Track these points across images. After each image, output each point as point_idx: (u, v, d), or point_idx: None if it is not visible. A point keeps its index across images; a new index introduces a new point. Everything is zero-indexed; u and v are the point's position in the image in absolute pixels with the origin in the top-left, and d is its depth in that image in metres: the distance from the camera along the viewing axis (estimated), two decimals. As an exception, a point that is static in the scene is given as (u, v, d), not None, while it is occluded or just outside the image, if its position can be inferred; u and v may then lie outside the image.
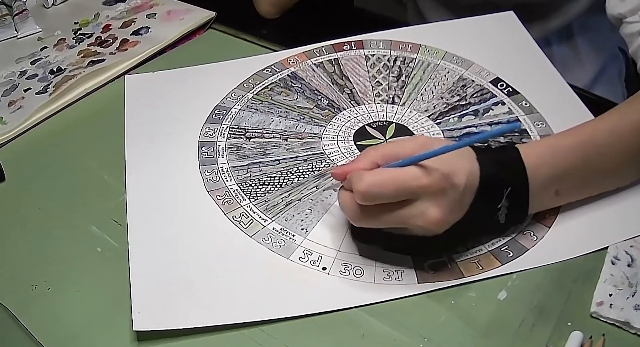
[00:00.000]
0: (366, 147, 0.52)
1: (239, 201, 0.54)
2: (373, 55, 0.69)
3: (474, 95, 0.63)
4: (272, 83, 0.66)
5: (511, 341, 0.44)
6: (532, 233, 0.50)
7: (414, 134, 0.59)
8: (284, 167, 0.57)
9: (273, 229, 0.51)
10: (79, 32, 0.78)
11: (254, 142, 0.59)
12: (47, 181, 0.58)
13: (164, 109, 0.64)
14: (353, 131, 0.60)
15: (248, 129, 0.61)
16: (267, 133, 0.60)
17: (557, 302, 0.45)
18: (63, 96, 0.67)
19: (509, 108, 0.61)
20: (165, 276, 0.48)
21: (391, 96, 0.64)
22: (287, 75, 0.67)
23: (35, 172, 0.59)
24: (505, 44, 0.69)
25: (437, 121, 0.60)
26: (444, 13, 0.84)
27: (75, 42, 0.76)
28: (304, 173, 0.56)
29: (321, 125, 0.61)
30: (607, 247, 0.48)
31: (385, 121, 0.61)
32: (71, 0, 0.85)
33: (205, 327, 0.45)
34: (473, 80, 0.65)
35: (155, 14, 0.79)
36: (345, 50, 0.70)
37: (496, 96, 0.63)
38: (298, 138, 0.60)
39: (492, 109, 0.61)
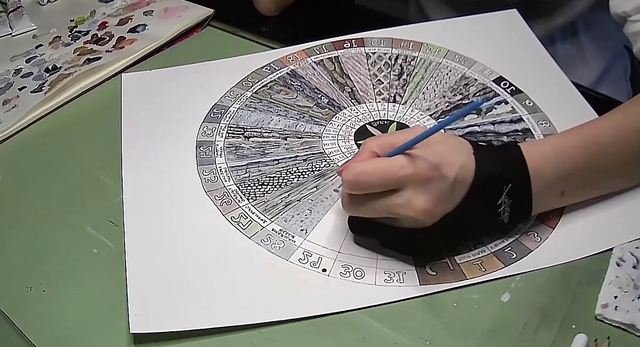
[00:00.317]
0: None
1: (237, 201, 0.54)
2: (374, 53, 0.69)
3: (477, 94, 0.63)
4: (271, 81, 0.66)
5: (515, 344, 0.44)
6: (535, 234, 0.50)
7: (415, 133, 0.59)
8: (283, 167, 0.57)
9: (272, 230, 0.51)
10: (74, 30, 0.78)
11: (252, 141, 0.59)
12: (42, 181, 0.58)
13: (161, 108, 0.64)
14: (354, 130, 0.60)
15: (247, 128, 0.61)
16: (266, 132, 0.60)
17: (561, 304, 0.45)
18: (58, 95, 0.67)
19: (512, 107, 0.61)
20: (162, 278, 0.48)
21: (392, 95, 0.64)
22: (287, 73, 0.67)
23: (30, 172, 0.59)
24: (508, 42, 0.69)
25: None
26: (446, 11, 0.84)
27: (71, 40, 0.76)
28: (303, 173, 0.56)
29: (321, 125, 0.61)
30: (612, 249, 0.48)
31: (387, 120, 0.61)
32: (67, -3, 0.85)
33: (203, 329, 0.45)
34: (476, 79, 0.65)
35: (153, 11, 0.79)
36: (345, 48, 0.70)
37: (499, 95, 0.62)
38: (298, 137, 0.60)
39: (495, 108, 0.61)
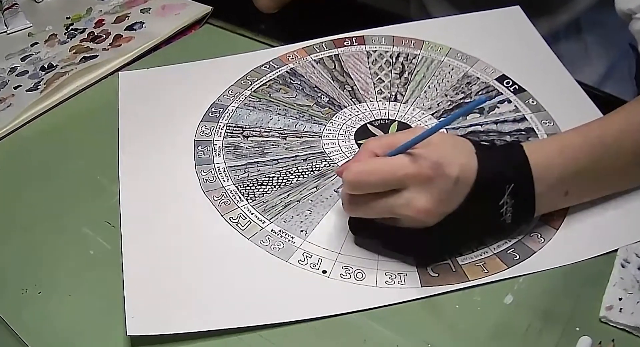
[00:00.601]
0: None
1: (236, 201, 0.54)
2: (375, 51, 0.69)
3: (479, 93, 0.63)
4: (270, 80, 0.66)
5: (518, 346, 0.44)
6: (539, 235, 0.50)
7: (417, 132, 0.59)
8: (282, 167, 0.57)
9: (271, 230, 0.51)
10: (70, 28, 0.78)
11: (251, 141, 0.59)
12: (38, 181, 0.58)
13: (159, 107, 0.64)
14: (354, 130, 0.60)
15: (246, 128, 0.61)
16: (265, 132, 0.60)
17: (565, 306, 0.45)
18: (54, 94, 0.67)
19: (515, 106, 0.61)
20: (159, 279, 0.48)
21: (393, 93, 0.64)
22: (286, 71, 0.67)
23: (25, 172, 0.59)
24: (512, 40, 0.69)
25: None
26: (448, 8, 0.84)
27: (67, 38, 0.77)
28: (303, 173, 0.56)
29: (321, 124, 0.61)
30: (616, 250, 0.48)
31: (388, 119, 0.61)
32: (63, -6, 0.85)
33: (201, 332, 0.45)
34: (478, 78, 0.65)
35: (150, 8, 0.79)
36: (346, 46, 0.70)
37: (502, 94, 0.63)
38: (297, 137, 0.60)
39: (498, 107, 0.61)
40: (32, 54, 0.74)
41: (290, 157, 0.58)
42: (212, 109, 0.63)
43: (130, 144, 0.59)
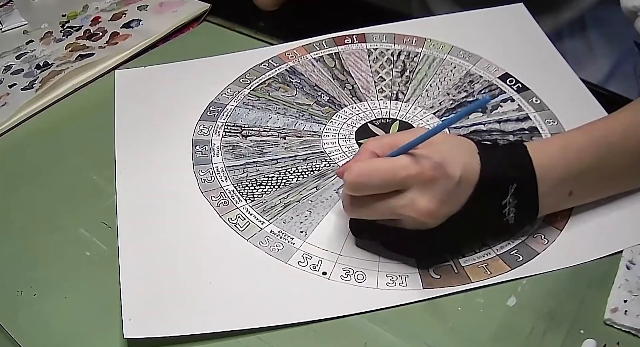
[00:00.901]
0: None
1: (234, 202, 0.54)
2: (376, 49, 0.69)
3: (482, 92, 0.63)
4: (269, 78, 0.66)
5: (521, 349, 0.44)
6: (542, 236, 0.50)
7: (418, 132, 0.59)
8: (282, 167, 0.57)
9: (271, 231, 0.51)
10: (66, 25, 0.78)
11: (250, 140, 0.60)
12: (33, 181, 0.58)
13: (156, 106, 0.64)
14: (355, 129, 0.60)
15: (244, 127, 0.61)
16: (264, 131, 0.60)
17: (569, 308, 0.46)
18: (50, 92, 0.67)
19: (518, 105, 0.61)
20: (157, 281, 0.48)
21: (395, 92, 0.64)
22: (286, 70, 0.67)
23: (20, 172, 0.59)
24: (515, 37, 0.69)
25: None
26: (450, 5, 0.84)
27: (63, 36, 0.77)
28: (303, 173, 0.56)
29: (321, 123, 0.61)
30: (621, 251, 0.48)
31: (389, 118, 0.61)
32: (59, -9, 0.85)
33: (199, 334, 0.45)
34: (481, 76, 0.65)
35: (147, 5, 0.79)
36: (346, 43, 0.70)
37: (505, 92, 0.63)
38: (297, 136, 0.60)
39: (501, 106, 0.61)
40: (27, 52, 0.74)
41: (289, 157, 0.58)
42: (210, 108, 0.63)
43: (127, 143, 0.60)
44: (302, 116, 0.62)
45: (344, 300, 0.47)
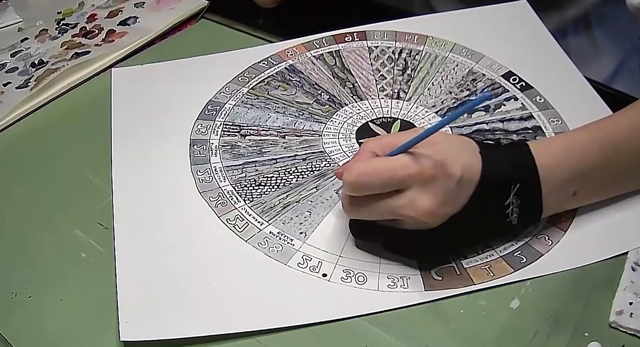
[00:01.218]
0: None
1: (233, 202, 0.54)
2: (377, 47, 0.69)
3: (485, 90, 0.63)
4: (268, 77, 0.66)
5: (524, 352, 0.44)
6: (546, 237, 0.50)
7: (420, 131, 0.59)
8: (281, 167, 0.57)
9: (270, 232, 0.51)
10: (62, 23, 0.78)
11: (249, 140, 0.60)
12: (28, 181, 0.58)
13: (153, 105, 0.64)
14: (355, 128, 0.60)
15: (243, 126, 0.61)
16: (263, 130, 0.60)
17: (573, 311, 0.46)
18: (45, 91, 0.67)
19: (522, 104, 0.61)
20: (154, 283, 0.48)
21: (396, 91, 0.64)
22: (285, 68, 0.67)
23: (15, 172, 0.59)
24: (518, 35, 0.69)
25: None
26: (453, 2, 0.84)
27: (59, 33, 0.77)
28: (303, 173, 0.56)
29: (321, 122, 0.61)
30: (627, 253, 0.48)
31: (390, 117, 0.61)
32: (54, -12, 0.85)
33: (197, 337, 0.45)
34: (484, 74, 0.65)
35: (144, 2, 0.79)
36: (347, 41, 0.70)
37: (508, 91, 0.63)
38: (297, 136, 0.60)
39: (504, 105, 0.61)
40: (22, 50, 0.74)
41: (289, 157, 0.58)
42: (208, 107, 0.63)
43: (123, 143, 0.60)
44: (302, 115, 0.62)
45: (345, 302, 0.47)
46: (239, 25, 0.74)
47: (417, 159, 0.43)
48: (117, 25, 0.76)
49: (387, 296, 0.47)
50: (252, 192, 0.55)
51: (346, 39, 0.70)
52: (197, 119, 0.62)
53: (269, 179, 0.56)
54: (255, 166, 0.57)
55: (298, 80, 0.65)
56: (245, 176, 0.56)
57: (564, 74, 0.64)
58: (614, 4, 0.76)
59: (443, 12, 0.74)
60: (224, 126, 0.61)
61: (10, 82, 0.69)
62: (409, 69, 0.66)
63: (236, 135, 0.60)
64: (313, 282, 0.48)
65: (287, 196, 0.54)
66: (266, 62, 0.68)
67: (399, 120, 0.61)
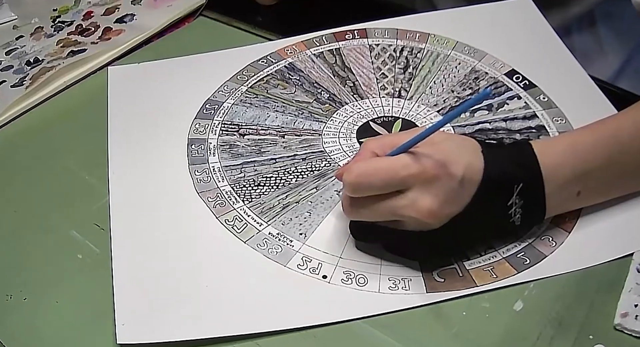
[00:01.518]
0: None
1: (231, 203, 0.54)
2: (378, 45, 0.69)
3: (487, 88, 0.63)
4: (267, 75, 0.66)
5: (528, 355, 0.44)
6: (550, 238, 0.50)
7: (422, 130, 0.59)
8: (280, 167, 0.57)
9: (269, 233, 0.51)
10: (58, 20, 0.78)
11: (248, 139, 0.60)
12: (23, 181, 0.58)
13: (151, 104, 0.64)
14: (356, 127, 0.60)
15: (242, 125, 0.61)
16: (262, 129, 0.60)
17: (578, 313, 0.46)
18: (41, 89, 0.67)
19: (525, 102, 0.61)
20: (151, 285, 0.48)
21: (397, 89, 0.64)
22: (285, 66, 0.67)
23: (10, 172, 0.59)
24: (522, 33, 0.69)
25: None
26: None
27: (54, 31, 0.77)
28: (302, 173, 0.56)
29: (321, 121, 0.61)
30: (632, 254, 0.48)
31: (391, 117, 0.61)
32: (49, -15, 0.85)
33: (195, 340, 0.45)
34: (486, 73, 0.65)
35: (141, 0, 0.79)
36: (347, 39, 0.70)
37: (511, 90, 0.63)
38: (296, 135, 0.60)
39: (507, 104, 0.61)
40: (17, 48, 0.75)
41: (288, 157, 0.58)
42: (207, 106, 0.63)
43: (120, 142, 0.60)
44: (302, 114, 0.62)
45: (345, 304, 0.47)
46: (237, 23, 0.74)
47: (418, 159, 0.43)
48: (114, 22, 0.76)
49: (388, 298, 0.47)
50: (251, 193, 0.55)
51: (347, 36, 0.70)
52: (195, 118, 0.62)
53: (268, 179, 0.56)
54: (254, 166, 0.57)
55: (298, 78, 0.65)
56: (244, 176, 0.56)
57: (567, 72, 0.64)
58: (618, 1, 0.76)
59: (445, 10, 0.74)
60: (223, 125, 0.61)
61: (5, 81, 0.69)
62: (411, 67, 0.66)
63: (235, 135, 0.60)
64: (313, 284, 0.48)
65: (286, 196, 0.54)
66: (265, 60, 0.68)
67: (401, 119, 0.61)
